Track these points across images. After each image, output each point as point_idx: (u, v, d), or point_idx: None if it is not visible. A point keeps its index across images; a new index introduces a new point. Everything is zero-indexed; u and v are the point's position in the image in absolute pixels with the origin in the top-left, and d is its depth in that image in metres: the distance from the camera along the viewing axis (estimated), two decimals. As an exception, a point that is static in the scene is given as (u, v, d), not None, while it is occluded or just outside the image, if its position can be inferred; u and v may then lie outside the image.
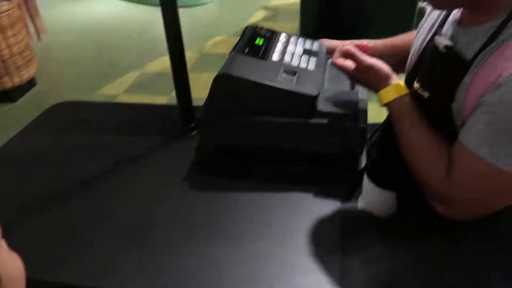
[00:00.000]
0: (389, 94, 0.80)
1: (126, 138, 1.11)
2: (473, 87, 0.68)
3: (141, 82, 3.13)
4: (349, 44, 0.87)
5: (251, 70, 0.85)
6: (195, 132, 1.09)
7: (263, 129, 0.88)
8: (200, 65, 3.30)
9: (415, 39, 0.93)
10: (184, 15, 4.58)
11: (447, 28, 0.80)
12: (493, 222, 0.77)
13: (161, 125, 1.18)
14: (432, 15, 0.89)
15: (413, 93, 0.82)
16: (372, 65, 0.82)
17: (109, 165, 1.01)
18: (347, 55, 0.85)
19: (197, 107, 1.03)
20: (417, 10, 2.82)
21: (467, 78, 0.69)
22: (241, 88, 0.84)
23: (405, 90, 0.80)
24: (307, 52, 0.97)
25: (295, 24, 3.65)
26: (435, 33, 0.83)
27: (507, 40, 0.65)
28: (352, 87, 0.95)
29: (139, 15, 4.37)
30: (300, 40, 1.02)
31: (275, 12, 4.33)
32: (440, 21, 0.84)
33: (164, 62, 3.28)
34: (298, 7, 3.21)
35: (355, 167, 0.92)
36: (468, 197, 0.71)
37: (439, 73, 0.78)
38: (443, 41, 0.76)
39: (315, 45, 1.01)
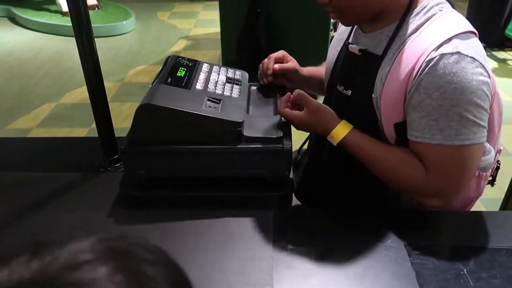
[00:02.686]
0: (340, 132, 0.86)
1: (43, 175, 1.04)
2: (389, 81, 0.80)
3: (58, 114, 2.95)
4: (296, 92, 0.89)
5: (174, 99, 0.85)
6: (118, 164, 1.05)
7: (189, 158, 0.88)
8: (122, 94, 3.21)
9: (328, 54, 1.05)
10: (104, 45, 4.48)
11: (355, 37, 0.94)
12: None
13: (82, 159, 1.12)
14: (340, 30, 1.03)
15: (338, 95, 0.94)
16: (321, 107, 0.87)
17: (25, 206, 0.93)
18: (293, 103, 0.90)
19: (120, 138, 1.00)
20: (330, 39, 3.03)
21: (384, 71, 0.82)
22: (165, 117, 0.83)
23: (350, 125, 0.87)
24: (230, 80, 1.00)
25: (217, 52, 3.73)
26: (346, 45, 0.95)
27: (407, 38, 0.80)
28: (275, 112, 0.98)
29: (51, 44, 4.16)
30: (223, 69, 1.04)
31: (196, 41, 4.38)
32: (347, 34, 0.97)
33: (82, 93, 3.13)
34: (219, 36, 3.28)
35: (284, 189, 0.94)
36: (449, 180, 0.81)
37: (358, 72, 0.90)
38: (356, 47, 0.90)
39: (237, 73, 1.04)
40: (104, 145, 1.05)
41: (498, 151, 0.95)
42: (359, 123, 0.87)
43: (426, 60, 0.75)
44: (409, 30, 0.81)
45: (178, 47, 4.18)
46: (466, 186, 0.85)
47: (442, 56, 0.73)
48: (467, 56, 0.73)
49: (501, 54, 4.05)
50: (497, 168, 0.97)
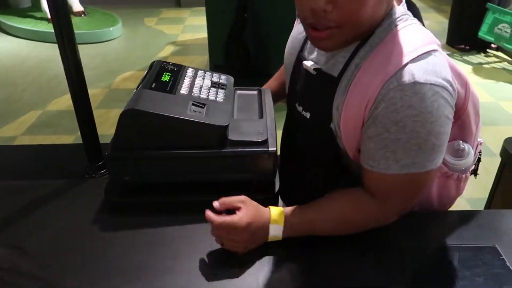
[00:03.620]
0: (277, 233, 0.79)
1: (28, 182, 1.02)
2: (346, 111, 0.76)
3: (44, 122, 2.93)
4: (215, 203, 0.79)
5: (159, 104, 0.85)
6: (103, 170, 1.04)
7: (174, 163, 0.87)
8: (109, 101, 3.19)
9: (285, 60, 1.01)
10: (91, 51, 4.47)
11: (309, 52, 0.88)
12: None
13: (67, 165, 1.11)
14: (293, 34, 0.97)
15: (297, 115, 0.90)
16: (248, 223, 0.76)
17: (9, 214, 0.91)
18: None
19: (105, 144, 0.99)
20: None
21: (338, 100, 0.77)
22: (149, 122, 0.83)
23: (280, 214, 0.79)
24: (215, 84, 1.00)
25: (205, 57, 3.73)
26: (300, 57, 0.90)
27: (362, 61, 0.74)
28: (261, 116, 0.99)
29: (37, 52, 4.12)
30: (208, 73, 1.04)
31: (184, 47, 4.38)
32: (300, 46, 0.92)
33: (69, 100, 3.08)
34: (206, 41, 3.28)
35: (271, 191, 0.94)
36: (402, 204, 0.80)
37: (314, 94, 0.86)
38: (311, 65, 0.84)
39: (222, 78, 1.04)
40: (88, 152, 1.04)
41: (479, 143, 0.96)
42: (320, 148, 0.85)
43: (382, 92, 0.70)
44: (364, 52, 0.75)
45: (165, 52, 4.18)
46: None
47: (398, 88, 0.68)
48: (425, 84, 0.68)
49: (483, 57, 4.12)
50: (479, 159, 0.98)
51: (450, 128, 0.74)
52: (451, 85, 0.71)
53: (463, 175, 0.91)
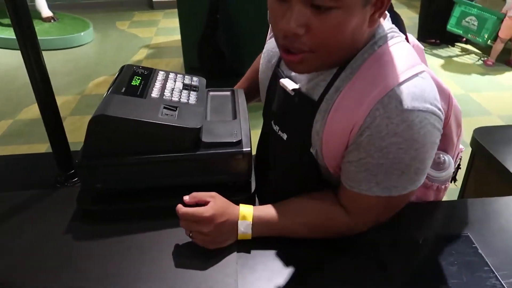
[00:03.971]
0: (246, 230, 0.79)
1: (-5, 195, 0.99)
2: (327, 136, 0.73)
3: (15, 131, 2.85)
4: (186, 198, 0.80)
5: (129, 109, 0.83)
6: (75, 179, 1.02)
7: (147, 168, 0.86)
8: (82, 107, 3.13)
9: (260, 73, 0.98)
10: (62, 57, 4.36)
11: (286, 68, 0.80)
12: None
13: (37, 175, 1.07)
14: (268, 47, 0.94)
15: (273, 134, 0.88)
16: (213, 216, 0.76)
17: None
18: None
19: (77, 152, 0.97)
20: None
21: (318, 124, 0.74)
22: (120, 128, 0.81)
23: (250, 211, 0.79)
24: (187, 87, 0.99)
25: (180, 59, 3.70)
26: (277, 72, 0.87)
27: (344, 84, 0.71)
28: (234, 117, 0.98)
29: (6, 59, 4.00)
30: (179, 76, 1.03)
31: (158, 50, 4.33)
32: (277, 61, 0.89)
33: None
34: (180, 43, 3.26)
35: (246, 192, 0.94)
36: (380, 220, 0.80)
37: (292, 116, 0.83)
38: (289, 84, 0.80)
39: (194, 80, 1.03)
40: (58, 161, 1.02)
41: (461, 151, 0.97)
42: (298, 165, 0.83)
43: (368, 120, 0.67)
44: (345, 75, 0.72)
45: (139, 56, 4.12)
46: None
47: (385, 115, 0.66)
48: (413, 111, 0.65)
49: (453, 50, 4.23)
50: (458, 167, 0.99)
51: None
52: (439, 108, 0.69)
53: (443, 186, 0.91)
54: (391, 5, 0.77)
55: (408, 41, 0.77)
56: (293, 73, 0.82)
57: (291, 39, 0.66)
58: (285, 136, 0.84)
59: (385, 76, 0.68)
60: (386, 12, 0.77)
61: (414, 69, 0.69)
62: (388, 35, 0.73)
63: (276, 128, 0.87)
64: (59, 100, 0.98)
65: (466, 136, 0.96)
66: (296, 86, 0.79)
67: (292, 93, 0.80)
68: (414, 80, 0.68)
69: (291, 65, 0.72)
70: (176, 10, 3.10)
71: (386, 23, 0.75)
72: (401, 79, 0.67)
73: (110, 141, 0.83)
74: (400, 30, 0.77)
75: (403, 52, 0.72)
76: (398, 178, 0.70)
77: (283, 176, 0.92)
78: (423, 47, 0.82)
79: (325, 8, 0.62)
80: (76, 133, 2.41)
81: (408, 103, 0.65)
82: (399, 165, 0.69)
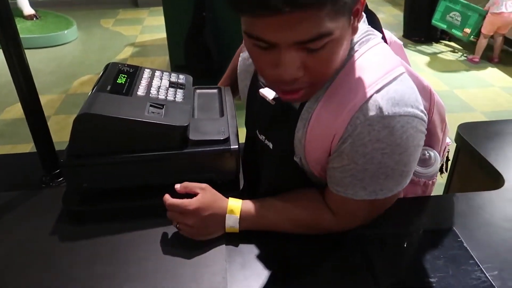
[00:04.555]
0: (234, 223, 0.79)
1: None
2: (309, 144, 0.73)
3: (-2, 131, 2.79)
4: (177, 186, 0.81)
5: (115, 107, 0.82)
6: (60, 179, 1.00)
7: (134, 166, 0.85)
8: (67, 106, 3.08)
9: (238, 80, 0.96)
10: (45, 56, 4.29)
11: None
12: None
13: (21, 176, 1.06)
14: (244, 59, 0.92)
15: (260, 143, 0.88)
16: (198, 207, 0.77)
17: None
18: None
19: (62, 152, 0.95)
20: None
21: (300, 133, 0.73)
22: (105, 126, 0.80)
23: (238, 205, 0.80)
24: (173, 84, 0.98)
25: (166, 58, 3.67)
26: (255, 82, 0.87)
27: (323, 93, 0.70)
28: (221, 114, 0.98)
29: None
30: (165, 74, 1.02)
31: (143, 48, 4.29)
32: (254, 70, 0.88)
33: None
34: (166, 41, 3.23)
35: (234, 189, 0.94)
36: (366, 220, 0.81)
37: (275, 125, 0.83)
38: (268, 93, 0.80)
39: (181, 77, 1.03)
40: (43, 160, 1.00)
41: (447, 144, 0.98)
42: (287, 176, 0.84)
43: (349, 128, 0.67)
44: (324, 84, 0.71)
45: (124, 54, 4.08)
46: None
47: (366, 123, 0.65)
48: (394, 116, 0.65)
49: (437, 47, 4.28)
50: (447, 159, 1.00)
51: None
52: (421, 110, 0.69)
53: (430, 181, 0.92)
54: (366, 5, 0.77)
55: (385, 39, 0.77)
56: None
57: (291, 83, 0.64)
58: (271, 145, 0.85)
59: (363, 83, 0.67)
60: (363, 13, 0.77)
61: (393, 73, 0.69)
62: (364, 39, 0.72)
63: (262, 137, 0.87)
64: (43, 99, 0.97)
65: (451, 132, 0.98)
66: (276, 95, 0.79)
67: (273, 103, 0.80)
68: (393, 85, 0.68)
69: (291, 100, 0.72)
70: (161, 8, 3.07)
71: (362, 25, 0.74)
72: (379, 85, 0.67)
73: (96, 139, 0.82)
74: (376, 29, 0.76)
75: (380, 55, 0.71)
76: (384, 182, 0.71)
77: (271, 182, 0.92)
78: (401, 43, 0.82)
79: (319, 47, 0.59)
80: (61, 132, 2.38)
81: (388, 109, 0.65)
82: (384, 169, 0.69)
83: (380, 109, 0.65)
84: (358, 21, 0.66)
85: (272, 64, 0.62)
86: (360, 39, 0.72)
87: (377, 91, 0.66)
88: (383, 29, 0.80)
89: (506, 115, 3.00)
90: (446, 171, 1.03)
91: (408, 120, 0.67)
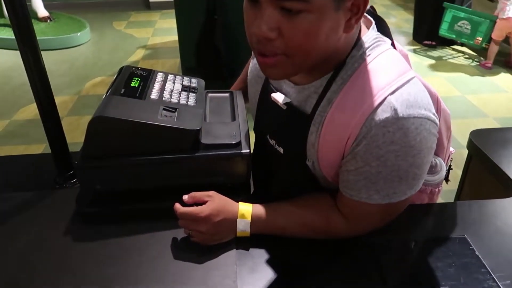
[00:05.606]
0: (245, 228, 0.80)
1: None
2: (323, 148, 0.73)
3: (12, 132, 2.83)
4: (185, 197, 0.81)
5: (128, 110, 0.83)
6: (74, 180, 1.02)
7: (146, 169, 0.86)
8: (79, 107, 3.12)
9: (248, 87, 0.97)
10: (58, 57, 4.33)
11: (276, 81, 0.83)
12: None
13: (36, 176, 1.07)
14: (255, 64, 0.92)
15: (270, 148, 0.87)
16: (210, 213, 0.77)
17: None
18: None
19: (76, 153, 0.97)
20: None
21: (313, 136, 0.74)
22: (119, 129, 0.81)
23: (249, 209, 0.80)
24: (186, 88, 0.99)
25: (177, 60, 3.70)
26: (267, 87, 0.87)
27: (335, 96, 0.71)
28: (233, 118, 0.99)
29: (2, 60, 3.98)
30: (178, 77, 1.03)
31: (155, 50, 4.33)
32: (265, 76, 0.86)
33: (36, 108, 3.02)
34: (177, 44, 3.26)
35: (245, 193, 0.94)
36: (378, 226, 0.80)
37: (286, 130, 0.83)
38: (280, 97, 0.80)
39: (193, 81, 1.04)
40: (57, 161, 1.01)
41: (451, 153, 0.98)
42: (298, 180, 0.84)
43: (363, 130, 0.67)
44: (336, 86, 0.71)
45: (136, 56, 4.12)
46: None
47: (381, 124, 0.66)
48: (408, 118, 0.66)
49: (449, 52, 4.25)
50: (450, 168, 1.00)
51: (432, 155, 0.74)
52: (433, 113, 0.70)
53: (436, 189, 0.92)
54: (374, 10, 0.77)
55: (394, 46, 0.78)
56: (283, 87, 0.82)
57: (264, 42, 0.65)
58: (282, 150, 0.85)
59: (377, 85, 0.68)
60: (371, 19, 0.77)
61: (405, 76, 0.69)
62: (375, 44, 0.73)
63: (272, 142, 0.87)
64: (56, 100, 0.98)
65: (462, 138, 0.97)
66: (288, 100, 0.80)
67: (285, 107, 0.80)
68: (406, 87, 0.68)
69: (265, 68, 0.71)
70: (173, 11, 3.10)
71: (371, 31, 0.75)
72: (393, 87, 0.67)
73: (110, 142, 0.83)
74: (386, 36, 0.77)
75: (392, 59, 0.72)
76: (397, 185, 0.71)
77: (283, 187, 0.93)
78: (407, 53, 0.82)
79: (295, 12, 0.61)
80: (73, 133, 2.41)
81: (403, 110, 0.66)
82: (398, 172, 0.69)
83: (395, 110, 0.66)
84: (356, 21, 0.66)
85: (254, 19, 0.64)
86: (371, 44, 0.73)
87: (392, 93, 0.67)
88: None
89: (520, 121, 2.96)
90: (449, 180, 1.02)
91: (421, 122, 0.67)
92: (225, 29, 3.00)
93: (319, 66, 0.72)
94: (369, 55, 0.71)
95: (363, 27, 0.75)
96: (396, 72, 0.70)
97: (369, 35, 0.74)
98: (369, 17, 0.77)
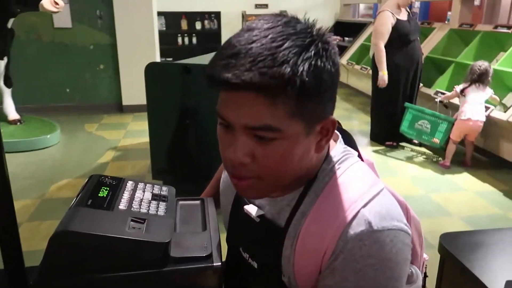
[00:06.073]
0: None
1: None
2: (299, 261, 0.72)
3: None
4: None
5: (95, 223, 0.80)
6: (28, 300, 0.93)
7: (112, 286, 0.80)
8: (41, 212, 2.98)
9: (221, 195, 0.97)
10: (25, 160, 4.21)
11: None
12: None
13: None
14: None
15: (244, 262, 0.85)
16: None
17: None
18: None
19: (32, 268, 0.89)
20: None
21: (288, 251, 0.73)
22: (84, 244, 0.77)
23: None
24: (156, 197, 0.98)
25: (147, 161, 3.70)
26: (239, 198, 0.86)
27: (309, 208, 0.72)
28: (204, 227, 0.96)
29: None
30: (148, 186, 1.02)
31: (125, 152, 4.34)
32: None
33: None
34: (148, 145, 3.29)
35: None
36: None
37: (260, 244, 0.81)
38: (253, 210, 0.81)
39: (164, 189, 1.03)
40: (11, 279, 0.93)
41: (425, 260, 0.97)
42: None
43: (340, 243, 0.67)
44: (309, 199, 0.73)
45: (106, 158, 4.10)
46: None
47: (357, 238, 0.66)
48: (383, 231, 0.67)
49: (408, 152, 4.48)
50: (426, 276, 0.98)
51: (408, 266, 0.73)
52: (405, 224, 0.71)
53: None
54: (339, 124, 0.81)
55: (361, 157, 0.82)
56: (257, 201, 0.82)
57: (238, 167, 0.67)
58: (255, 265, 0.82)
59: (349, 198, 0.70)
60: (338, 133, 0.82)
61: (375, 188, 0.72)
62: (343, 157, 0.76)
63: (246, 255, 0.85)
64: (17, 205, 0.93)
65: (433, 238, 0.97)
66: (261, 212, 0.80)
67: (258, 220, 0.80)
68: (377, 199, 0.70)
69: (241, 190, 0.73)
70: (145, 113, 3.19)
71: (339, 145, 0.79)
72: (365, 200, 0.69)
73: (72, 258, 0.78)
74: (352, 148, 0.81)
75: (361, 172, 0.75)
76: None
77: None
78: (372, 161, 0.86)
79: (268, 139, 0.64)
80: (31, 241, 2.26)
81: (376, 223, 0.67)
82: (377, 285, 0.68)
83: (369, 223, 0.67)
84: (326, 142, 0.70)
85: (228, 145, 0.67)
86: (340, 158, 0.76)
87: (364, 206, 0.68)
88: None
89: (483, 220, 3.04)
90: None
91: (395, 234, 0.68)
92: (197, 134, 3.08)
93: (289, 185, 0.73)
94: (338, 168, 0.74)
95: (331, 141, 0.78)
96: (366, 185, 0.72)
97: (337, 148, 0.77)
98: (335, 131, 0.82)
